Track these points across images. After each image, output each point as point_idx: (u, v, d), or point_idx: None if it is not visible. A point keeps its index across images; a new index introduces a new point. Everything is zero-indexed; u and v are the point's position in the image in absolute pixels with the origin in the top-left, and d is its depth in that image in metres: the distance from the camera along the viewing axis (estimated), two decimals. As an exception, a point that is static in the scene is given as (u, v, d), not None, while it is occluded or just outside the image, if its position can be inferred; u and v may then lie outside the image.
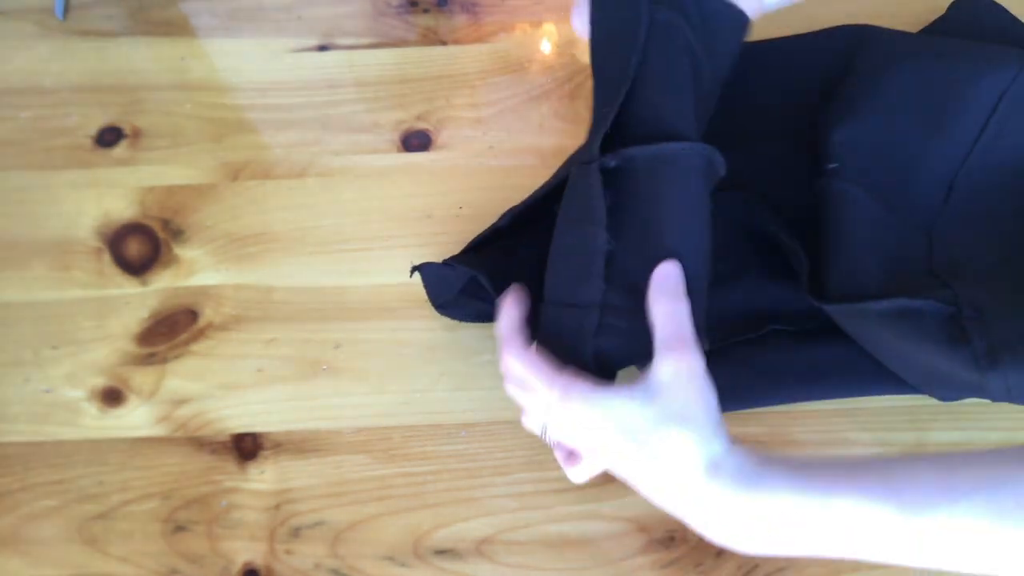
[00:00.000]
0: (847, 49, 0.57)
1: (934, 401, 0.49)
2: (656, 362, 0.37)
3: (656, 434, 0.36)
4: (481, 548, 0.48)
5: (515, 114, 0.63)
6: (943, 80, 0.50)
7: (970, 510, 0.31)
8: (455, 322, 0.54)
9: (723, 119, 0.49)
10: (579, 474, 0.44)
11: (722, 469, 0.35)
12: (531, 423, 0.43)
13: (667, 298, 0.38)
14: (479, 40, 0.66)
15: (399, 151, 0.61)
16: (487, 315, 0.52)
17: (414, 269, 0.52)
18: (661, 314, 0.38)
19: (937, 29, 0.60)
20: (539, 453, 0.50)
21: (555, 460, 0.50)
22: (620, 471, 0.39)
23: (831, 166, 0.49)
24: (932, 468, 0.34)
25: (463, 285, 0.51)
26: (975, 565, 0.32)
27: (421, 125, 0.62)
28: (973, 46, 0.53)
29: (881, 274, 0.46)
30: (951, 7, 0.60)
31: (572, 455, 0.43)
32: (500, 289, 0.49)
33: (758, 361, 0.49)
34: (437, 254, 0.53)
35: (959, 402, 0.49)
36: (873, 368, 0.47)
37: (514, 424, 0.51)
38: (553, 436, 0.41)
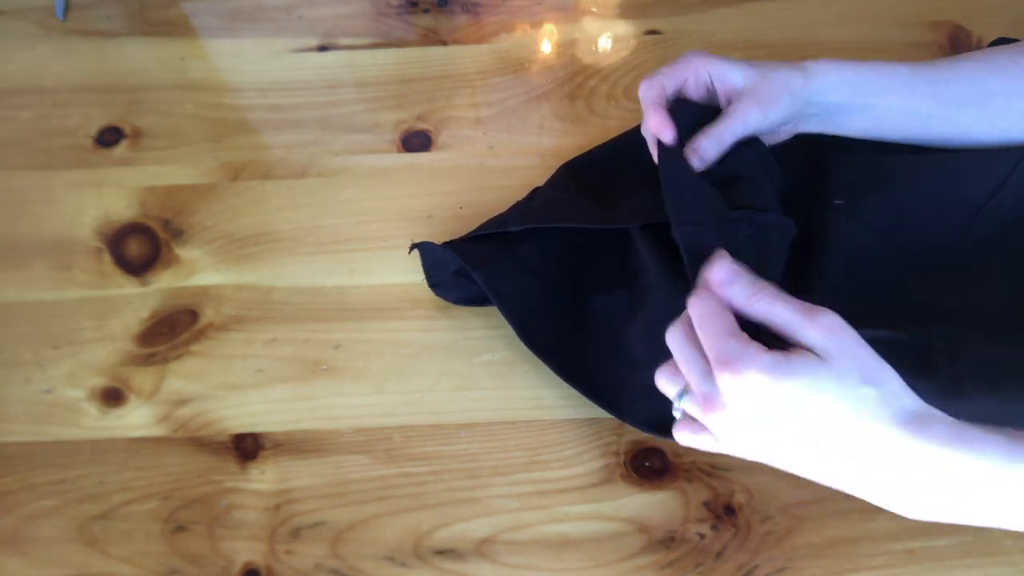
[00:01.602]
0: None
1: None
2: (800, 335, 0.34)
3: (845, 399, 0.33)
4: (481, 548, 0.48)
5: (515, 114, 0.63)
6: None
7: None
8: (455, 322, 0.54)
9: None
10: (694, 440, 0.40)
11: (921, 422, 0.33)
12: (669, 386, 0.39)
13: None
14: (479, 40, 0.66)
15: (399, 151, 0.61)
16: (479, 299, 0.53)
17: (413, 246, 0.53)
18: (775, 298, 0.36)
19: None
20: (539, 453, 0.50)
21: (555, 460, 0.50)
22: (781, 452, 0.36)
23: (837, 202, 0.49)
24: None
25: (458, 267, 0.52)
26: None
27: (421, 125, 0.62)
28: None
29: (858, 313, 0.46)
30: (990, 46, 0.59)
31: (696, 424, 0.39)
32: (491, 280, 0.50)
33: None
34: (437, 254, 0.53)
35: None
36: None
37: (514, 424, 0.51)
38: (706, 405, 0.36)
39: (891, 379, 0.34)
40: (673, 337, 0.37)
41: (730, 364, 0.34)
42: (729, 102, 0.48)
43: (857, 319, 0.46)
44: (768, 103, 0.46)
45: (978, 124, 0.47)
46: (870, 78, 0.47)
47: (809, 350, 0.34)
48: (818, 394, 0.33)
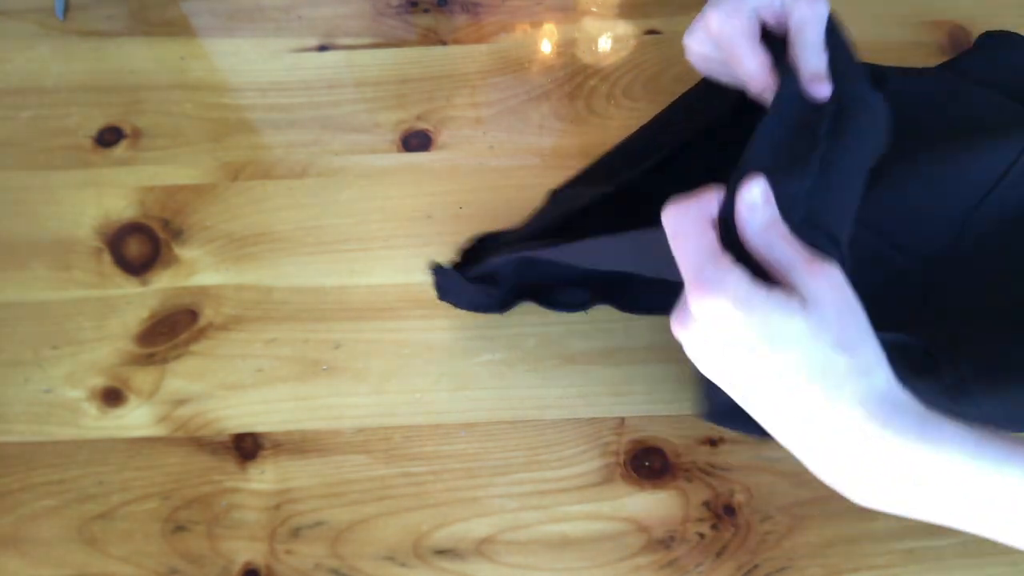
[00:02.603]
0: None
1: None
2: (794, 274, 0.32)
3: (811, 359, 0.31)
4: (481, 548, 0.48)
5: (515, 114, 0.63)
6: (965, 130, 0.49)
7: None
8: (455, 322, 0.54)
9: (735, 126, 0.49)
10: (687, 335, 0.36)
11: (886, 407, 0.31)
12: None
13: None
14: (479, 40, 0.66)
15: (399, 151, 0.61)
16: (485, 305, 0.53)
17: (433, 271, 0.51)
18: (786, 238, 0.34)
19: (962, 65, 0.57)
20: (539, 453, 0.50)
21: (555, 460, 0.50)
22: (738, 386, 0.33)
23: None
24: None
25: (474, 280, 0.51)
26: None
27: (421, 125, 0.62)
28: (995, 98, 0.52)
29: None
30: (979, 40, 0.58)
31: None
32: (506, 283, 0.50)
33: None
34: (437, 254, 0.53)
35: None
36: None
37: (514, 424, 0.51)
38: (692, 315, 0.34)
39: (869, 352, 0.32)
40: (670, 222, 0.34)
41: (704, 287, 0.32)
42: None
43: None
44: None
45: None
46: None
47: (795, 294, 0.32)
48: (784, 343, 0.31)
